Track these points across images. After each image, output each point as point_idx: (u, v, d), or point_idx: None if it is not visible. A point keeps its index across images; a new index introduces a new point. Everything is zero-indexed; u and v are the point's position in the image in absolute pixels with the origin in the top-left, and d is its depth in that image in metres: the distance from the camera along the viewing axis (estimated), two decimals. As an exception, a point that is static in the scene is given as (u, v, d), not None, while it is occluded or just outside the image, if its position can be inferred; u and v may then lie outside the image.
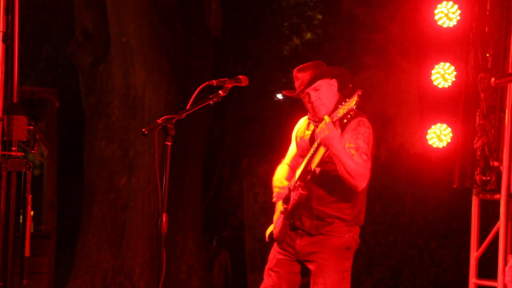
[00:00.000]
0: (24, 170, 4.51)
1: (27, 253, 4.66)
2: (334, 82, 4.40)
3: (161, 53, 8.23)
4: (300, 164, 4.43)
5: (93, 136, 8.32)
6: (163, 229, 3.77)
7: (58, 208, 8.16)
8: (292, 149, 4.64)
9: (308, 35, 9.68)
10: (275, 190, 4.51)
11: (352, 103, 4.12)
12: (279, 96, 9.22)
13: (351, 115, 4.15)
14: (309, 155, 4.33)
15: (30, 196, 4.66)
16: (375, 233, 8.22)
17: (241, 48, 8.89)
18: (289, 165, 4.63)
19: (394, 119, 8.51)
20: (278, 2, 9.51)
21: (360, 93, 4.10)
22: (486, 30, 6.16)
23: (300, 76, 4.39)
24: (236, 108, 8.56)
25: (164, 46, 8.26)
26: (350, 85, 4.34)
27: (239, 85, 4.22)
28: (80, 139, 8.58)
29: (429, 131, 6.65)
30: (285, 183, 4.47)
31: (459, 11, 6.35)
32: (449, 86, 6.42)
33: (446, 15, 6.41)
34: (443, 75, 6.49)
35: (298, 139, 4.53)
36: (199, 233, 8.63)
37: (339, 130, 4.18)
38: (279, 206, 4.56)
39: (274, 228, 4.53)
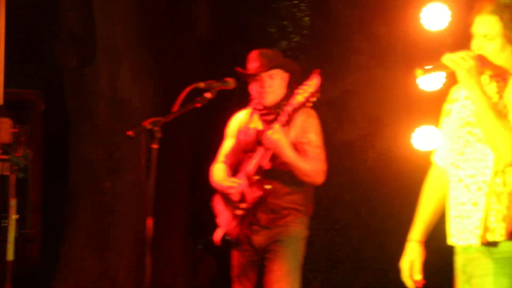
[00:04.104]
0: (8, 173, 4.46)
1: (10, 257, 4.61)
2: (286, 76, 4.43)
3: (148, 56, 8.19)
4: (246, 160, 4.42)
5: (79, 138, 8.26)
6: (148, 233, 3.73)
7: (42, 211, 8.08)
8: (229, 146, 4.60)
9: (297, 38, 9.67)
10: (231, 190, 4.46)
11: (311, 87, 4.13)
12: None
13: (314, 97, 4.16)
14: (261, 150, 4.33)
15: (15, 199, 4.61)
16: (362, 236, 8.19)
17: (229, 51, 8.86)
18: (224, 163, 4.60)
19: (382, 122, 8.49)
20: (267, 5, 9.49)
21: (318, 72, 4.11)
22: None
23: (259, 59, 4.40)
24: (222, 110, 8.53)
25: (151, 49, 8.22)
26: (294, 84, 4.35)
27: (227, 87, 4.21)
28: (65, 142, 8.51)
29: (416, 134, 6.64)
30: (237, 181, 4.46)
31: (448, 13, 6.34)
32: (437, 89, 6.42)
33: (434, 17, 6.40)
34: (431, 77, 6.48)
35: (240, 134, 4.52)
36: (185, 237, 8.59)
37: (287, 138, 4.20)
38: (224, 208, 4.52)
39: (229, 231, 4.48)
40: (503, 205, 3.21)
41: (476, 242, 3.27)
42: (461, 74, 3.24)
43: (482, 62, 3.26)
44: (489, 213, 3.23)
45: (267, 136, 4.24)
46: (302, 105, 4.21)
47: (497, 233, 3.21)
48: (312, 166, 4.27)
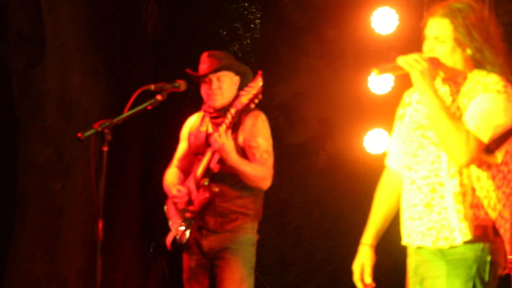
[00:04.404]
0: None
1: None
2: (237, 79, 4.44)
3: (98, 57, 8.12)
4: (196, 162, 4.43)
5: (27, 140, 8.14)
6: (98, 236, 3.70)
7: (-10, 214, 7.97)
8: (182, 149, 4.61)
9: (248, 41, 9.67)
10: (176, 200, 4.47)
11: (254, 89, 4.16)
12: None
13: (257, 99, 4.19)
14: (209, 153, 4.33)
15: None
16: (313, 238, 8.23)
17: (180, 53, 8.82)
18: (178, 167, 4.61)
19: (333, 124, 8.54)
20: (218, 7, 9.48)
21: (261, 73, 4.14)
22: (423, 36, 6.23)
23: (208, 61, 4.41)
24: (174, 112, 8.49)
25: (101, 50, 8.15)
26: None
27: (178, 90, 4.20)
28: (13, 143, 8.38)
29: (367, 137, 6.70)
30: (183, 189, 4.46)
31: (396, 17, 6.41)
32: (387, 92, 6.48)
33: (383, 21, 6.47)
34: (380, 80, 6.54)
35: (192, 137, 4.53)
36: (136, 240, 8.53)
37: (232, 142, 4.21)
38: (174, 211, 4.52)
39: (178, 234, 4.48)
40: (463, 205, 3.25)
41: (429, 243, 3.31)
42: (414, 76, 3.28)
43: (435, 64, 3.31)
44: (450, 215, 3.27)
45: (213, 139, 4.24)
46: (246, 107, 4.22)
47: (461, 233, 3.25)
48: (257, 171, 4.28)
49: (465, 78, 3.35)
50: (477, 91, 3.27)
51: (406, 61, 3.30)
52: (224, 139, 4.18)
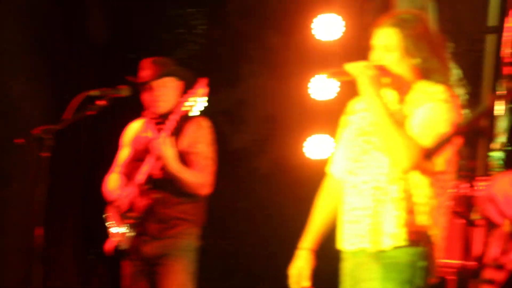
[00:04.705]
0: None
1: None
2: (180, 85, 4.45)
3: (40, 62, 8.03)
4: (138, 168, 4.42)
5: (-33, 146, 8.02)
6: (38, 243, 3.66)
7: None
8: (124, 155, 4.61)
9: (192, 46, 9.66)
10: (118, 203, 4.46)
11: (197, 95, 4.18)
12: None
13: (200, 106, 4.22)
14: (151, 159, 4.34)
15: None
16: (256, 245, 8.24)
17: (124, 58, 8.76)
18: (119, 173, 4.60)
19: (276, 130, 8.57)
20: (162, 12, 9.45)
21: (204, 80, 4.16)
22: (365, 43, 6.30)
23: (151, 67, 4.41)
24: (117, 118, 8.44)
25: (44, 54, 8.07)
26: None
27: (121, 95, 4.20)
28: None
29: (308, 143, 6.75)
30: (125, 193, 4.45)
31: (339, 24, 6.48)
32: (329, 99, 6.54)
33: (327, 28, 6.53)
34: (322, 87, 6.61)
35: (134, 143, 4.53)
36: (77, 247, 8.44)
37: (173, 149, 4.22)
38: (116, 217, 4.50)
39: (118, 241, 4.47)
40: (401, 211, 3.32)
41: (367, 246, 3.36)
42: (362, 82, 3.35)
43: (382, 72, 3.39)
44: (387, 219, 3.33)
45: (154, 145, 4.23)
46: (187, 114, 4.22)
47: (397, 238, 3.31)
48: (196, 178, 4.29)
49: (410, 87, 3.44)
50: (422, 100, 3.38)
51: (355, 67, 3.37)
52: (164, 145, 4.17)
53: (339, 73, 3.47)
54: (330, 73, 3.47)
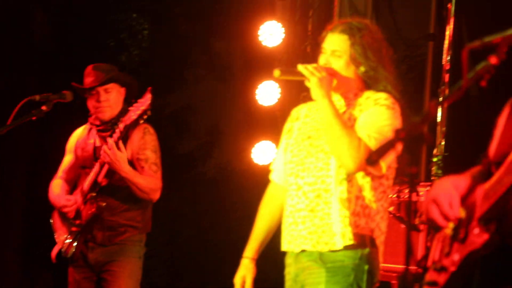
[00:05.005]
0: None
1: None
2: (123, 91, 4.45)
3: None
4: (83, 175, 4.41)
5: None
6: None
7: None
8: (68, 161, 4.58)
9: (136, 51, 9.62)
10: (65, 209, 4.43)
11: (144, 105, 4.19)
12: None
13: (146, 115, 4.22)
14: (97, 166, 4.32)
15: None
16: (203, 250, 8.24)
17: (67, 64, 8.68)
18: (63, 179, 4.58)
19: (222, 135, 8.60)
20: (105, 18, 9.39)
21: (150, 89, 4.17)
22: (308, 50, 6.37)
23: (94, 73, 4.39)
24: (61, 124, 8.37)
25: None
26: (133, 100, 4.36)
27: (64, 100, 4.17)
28: None
29: (255, 148, 6.78)
30: (72, 198, 4.43)
31: (282, 30, 6.56)
32: (273, 104, 6.60)
33: (270, 34, 6.61)
34: (267, 92, 6.67)
35: (78, 150, 4.50)
36: (21, 252, 8.34)
37: (124, 153, 4.22)
38: (61, 224, 4.48)
39: (64, 247, 4.44)
40: (347, 212, 3.37)
41: (309, 247, 3.40)
42: (313, 83, 3.41)
43: (332, 74, 3.46)
44: (333, 219, 3.37)
45: (103, 151, 4.21)
46: (134, 122, 4.22)
47: (346, 238, 3.36)
48: (148, 182, 4.29)
49: (356, 95, 3.50)
50: (368, 105, 3.45)
51: (306, 68, 3.43)
52: (116, 151, 4.15)
53: (291, 72, 3.52)
54: (281, 71, 3.51)
